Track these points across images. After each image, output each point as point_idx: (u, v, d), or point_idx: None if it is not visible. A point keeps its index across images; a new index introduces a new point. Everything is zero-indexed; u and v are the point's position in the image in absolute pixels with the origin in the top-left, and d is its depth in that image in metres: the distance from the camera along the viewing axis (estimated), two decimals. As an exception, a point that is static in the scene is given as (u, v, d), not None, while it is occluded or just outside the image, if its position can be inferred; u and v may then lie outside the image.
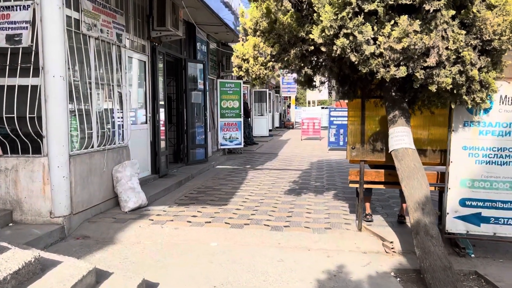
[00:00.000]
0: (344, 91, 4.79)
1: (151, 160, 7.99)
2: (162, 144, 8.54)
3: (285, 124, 28.77)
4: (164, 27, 7.65)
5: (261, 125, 19.99)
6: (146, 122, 7.87)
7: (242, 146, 13.44)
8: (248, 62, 4.22)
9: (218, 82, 12.69)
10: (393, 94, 4.35)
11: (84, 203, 5.58)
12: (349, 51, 3.54)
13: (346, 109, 14.73)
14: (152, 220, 5.67)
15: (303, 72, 4.38)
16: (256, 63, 4.23)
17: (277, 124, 27.62)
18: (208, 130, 11.24)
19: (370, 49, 3.48)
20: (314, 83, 5.04)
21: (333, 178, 9.00)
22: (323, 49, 3.72)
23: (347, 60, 3.79)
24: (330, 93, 40.29)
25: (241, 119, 13.15)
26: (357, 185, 5.17)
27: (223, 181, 8.67)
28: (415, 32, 3.42)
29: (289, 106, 32.86)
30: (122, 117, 6.79)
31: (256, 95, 21.40)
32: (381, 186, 5.19)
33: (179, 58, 9.75)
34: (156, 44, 8.11)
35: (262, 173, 9.75)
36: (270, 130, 21.66)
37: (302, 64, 4.30)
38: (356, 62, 3.61)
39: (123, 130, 6.79)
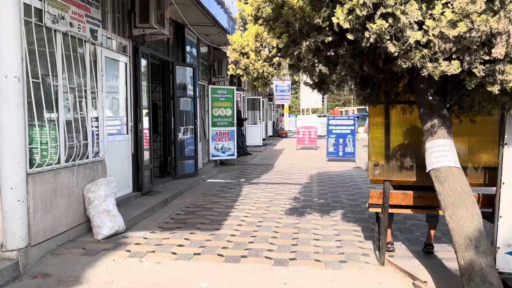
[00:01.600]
0: (365, 95, 3.89)
1: (132, 176, 7.01)
2: (146, 156, 7.58)
3: (278, 133, 27.87)
4: (148, 24, 6.71)
5: (255, 134, 19.05)
6: (127, 132, 6.90)
7: (235, 157, 12.50)
8: (248, 57, 3.31)
9: (209, 88, 11.77)
10: (430, 98, 3.46)
11: (46, 232, 4.59)
12: (387, 38, 2.63)
13: (347, 118, 13.95)
14: (130, 251, 4.69)
15: (317, 71, 3.47)
16: (258, 58, 3.32)
17: (270, 133, 26.70)
18: (198, 140, 10.29)
19: (415, 36, 2.58)
20: (327, 86, 4.13)
21: (338, 194, 8.08)
22: (350, 37, 2.81)
23: (382, 51, 2.88)
24: (323, 101, 39.51)
25: (234, 128, 12.21)
26: (379, 210, 4.24)
27: (215, 198, 7.71)
28: (477, 13, 2.52)
29: (282, 115, 31.90)
30: (97, 127, 5.82)
31: (249, 103, 20.50)
32: (408, 211, 4.27)
33: (166, 61, 8.81)
34: (140, 43, 7.17)
35: (258, 188, 8.80)
36: (263, 139, 20.74)
37: (316, 60, 3.39)
38: (396, 54, 2.71)
39: (98, 142, 5.82)
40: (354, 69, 3.58)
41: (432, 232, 4.63)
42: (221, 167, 12.21)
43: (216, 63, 12.32)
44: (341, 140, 13.48)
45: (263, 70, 3.33)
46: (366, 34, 2.67)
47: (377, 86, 3.77)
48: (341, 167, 12.25)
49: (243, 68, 3.40)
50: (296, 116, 38.00)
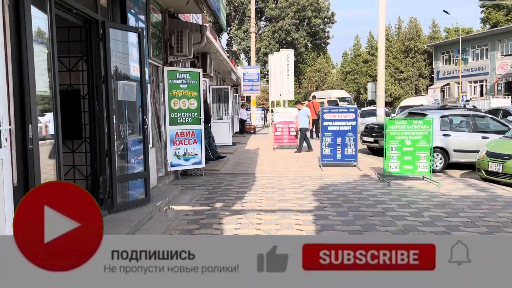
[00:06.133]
0: None
1: (15, 229, 3.56)
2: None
3: (245, 129, 24.51)
4: None
5: (222, 132, 15.61)
6: (-2, 144, 3.44)
7: (203, 165, 9.17)
8: None
9: (165, 71, 8.34)
10: None
11: None
12: None
13: (346, 110, 10.91)
14: None
15: None
16: None
17: (236, 129, 23.29)
18: (150, 146, 6.91)
19: None
20: None
21: (375, 230, 5.00)
22: None
23: None
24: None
25: (202, 127, 8.89)
26: None
27: (179, 252, 4.39)
28: None
29: (247, 109, 28.20)
30: None
31: (214, 93, 17.04)
32: None
33: (92, 20, 5.35)
34: (27, -28, 3.71)
35: (248, 222, 5.56)
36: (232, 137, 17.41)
37: None
38: None
39: None
40: None
41: None
42: (184, 179, 8.85)
43: (174, 37, 8.85)
44: (339, 140, 10.44)
45: None
46: None
47: None
48: (345, 176, 9.24)
49: None
50: (262, 110, 34.91)
